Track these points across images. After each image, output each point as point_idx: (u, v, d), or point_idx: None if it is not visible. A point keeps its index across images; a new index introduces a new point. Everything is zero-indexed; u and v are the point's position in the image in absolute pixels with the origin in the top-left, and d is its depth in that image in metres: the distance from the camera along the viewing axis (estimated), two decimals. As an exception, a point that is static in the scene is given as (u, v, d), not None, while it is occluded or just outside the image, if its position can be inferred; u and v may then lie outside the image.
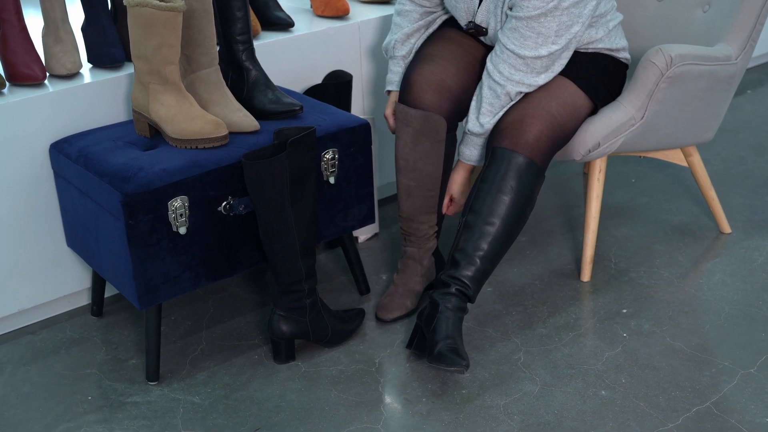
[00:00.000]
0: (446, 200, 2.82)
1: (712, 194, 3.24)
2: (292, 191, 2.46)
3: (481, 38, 2.84)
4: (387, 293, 2.88)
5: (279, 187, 2.44)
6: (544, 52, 2.61)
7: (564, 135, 2.70)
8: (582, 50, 2.79)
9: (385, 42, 2.92)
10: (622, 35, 2.87)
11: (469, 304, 2.85)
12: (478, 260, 2.56)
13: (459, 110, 2.80)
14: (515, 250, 3.20)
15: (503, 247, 2.59)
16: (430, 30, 2.91)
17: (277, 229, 2.48)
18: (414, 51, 2.87)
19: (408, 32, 2.86)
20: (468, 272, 2.56)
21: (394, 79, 2.89)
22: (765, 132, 4.16)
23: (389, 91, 2.90)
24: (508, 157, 2.59)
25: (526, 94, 2.68)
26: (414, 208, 2.82)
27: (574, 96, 2.72)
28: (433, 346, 2.50)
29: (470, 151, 2.73)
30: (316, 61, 3.15)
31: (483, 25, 2.75)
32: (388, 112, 2.89)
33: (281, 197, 2.45)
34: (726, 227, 3.29)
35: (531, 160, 2.59)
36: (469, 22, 2.77)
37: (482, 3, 2.71)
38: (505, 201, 2.57)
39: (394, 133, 2.86)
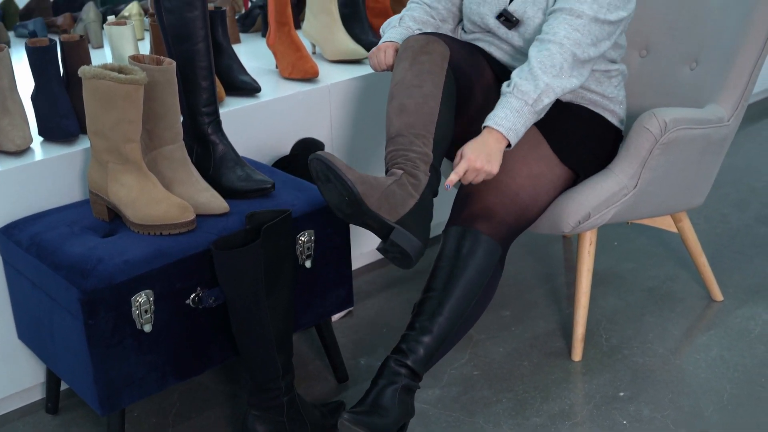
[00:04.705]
0: (456, 158, 2.46)
1: (703, 260, 3.08)
2: (267, 281, 2.26)
3: (500, 35, 2.67)
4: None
5: (253, 278, 2.23)
6: (601, 16, 2.48)
7: (522, 208, 2.52)
8: (578, 103, 2.65)
9: (388, 20, 2.82)
10: (622, 88, 2.77)
11: (452, 390, 2.65)
12: (425, 338, 2.37)
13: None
14: (500, 326, 3.01)
15: (452, 324, 2.40)
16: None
17: (251, 322, 2.27)
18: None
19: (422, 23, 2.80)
20: (414, 350, 2.36)
21: (394, 36, 2.73)
22: (745, 186, 4.02)
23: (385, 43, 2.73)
24: (458, 234, 2.46)
25: None
26: (406, 123, 2.43)
27: (544, 168, 2.57)
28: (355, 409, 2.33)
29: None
30: (284, 129, 2.95)
31: (516, 15, 2.61)
32: (373, 51, 2.70)
33: (255, 288, 2.24)
34: (718, 295, 3.13)
35: (481, 233, 2.44)
36: (501, 14, 2.63)
37: None
38: (457, 279, 2.41)
39: (375, 70, 2.71)
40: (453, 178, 2.39)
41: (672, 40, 3.02)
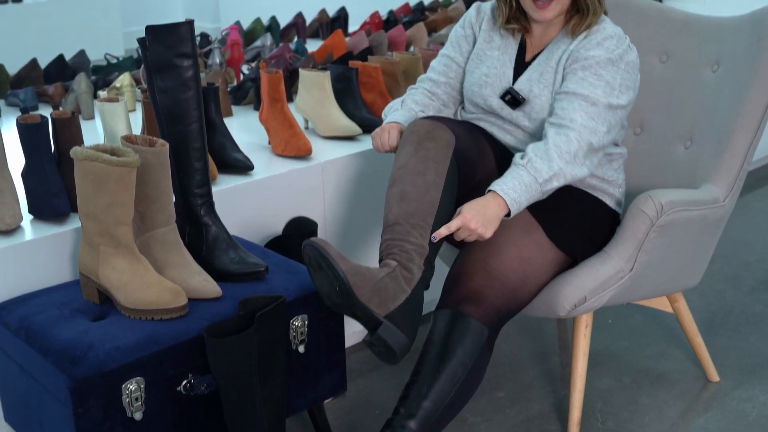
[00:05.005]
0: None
1: (699, 341, 3.04)
2: (260, 368, 2.22)
3: (503, 116, 2.67)
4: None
5: (246, 365, 2.20)
6: (614, 101, 2.52)
7: (511, 291, 2.49)
8: (577, 186, 2.64)
9: (390, 104, 2.83)
10: (622, 171, 2.77)
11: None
12: (410, 422, 2.32)
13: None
14: (494, 408, 2.96)
15: (437, 407, 2.35)
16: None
17: (244, 410, 2.23)
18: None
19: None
20: None
21: (397, 117, 2.72)
22: (739, 261, 3.99)
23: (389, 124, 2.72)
24: (447, 318, 2.42)
25: (469, 251, 2.52)
26: (405, 211, 2.40)
27: (535, 251, 2.55)
28: None
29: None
30: (277, 208, 2.92)
31: (522, 93, 2.61)
32: (376, 132, 2.69)
33: (248, 376, 2.21)
34: (714, 375, 3.09)
35: (470, 317, 2.40)
36: (507, 91, 2.63)
37: (525, 71, 2.64)
38: (444, 363, 2.37)
39: (377, 150, 2.68)
40: (443, 231, 2.39)
41: (666, 118, 3.01)
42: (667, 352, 3.27)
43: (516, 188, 2.40)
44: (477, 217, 2.37)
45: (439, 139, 2.47)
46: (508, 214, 2.42)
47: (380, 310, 2.28)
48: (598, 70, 2.53)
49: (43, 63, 4.30)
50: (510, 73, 2.67)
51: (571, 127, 2.47)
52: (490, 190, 2.42)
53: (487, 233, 2.39)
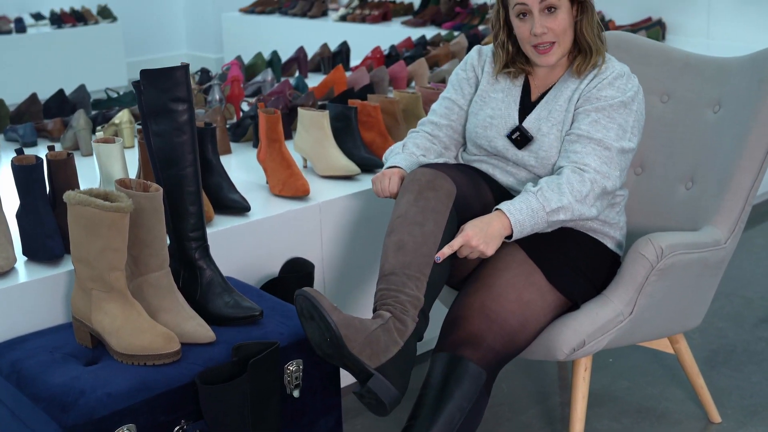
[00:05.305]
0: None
1: (700, 382, 3.01)
2: (253, 415, 2.20)
3: (508, 156, 2.67)
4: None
5: (239, 412, 2.18)
6: (626, 145, 2.56)
7: (510, 334, 2.46)
8: (577, 229, 2.63)
9: (391, 147, 2.82)
10: (623, 213, 2.78)
11: None
12: None
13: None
14: (493, 451, 2.94)
15: None
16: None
17: (236, 458, 2.21)
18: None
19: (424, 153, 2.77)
20: None
21: (398, 161, 2.70)
22: (740, 298, 3.96)
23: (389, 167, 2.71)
24: (444, 361, 2.39)
25: (468, 294, 2.50)
26: (402, 262, 2.39)
27: (535, 295, 2.52)
28: None
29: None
30: (273, 249, 2.90)
31: (531, 132, 2.62)
32: (377, 177, 2.67)
33: (241, 422, 2.19)
34: (716, 416, 3.06)
35: (468, 361, 2.37)
36: (517, 128, 2.63)
37: (533, 110, 2.66)
38: (442, 407, 2.34)
39: (377, 195, 2.66)
40: (446, 251, 2.40)
41: (667, 158, 2.99)
42: (667, 392, 3.24)
43: (522, 211, 2.42)
44: (479, 235, 2.39)
45: (439, 189, 2.46)
46: (510, 236, 2.43)
47: (371, 362, 2.27)
48: (612, 113, 2.55)
49: (46, 93, 4.30)
50: (515, 114, 2.67)
51: (587, 171, 2.49)
52: (496, 209, 2.44)
53: (489, 251, 2.41)
